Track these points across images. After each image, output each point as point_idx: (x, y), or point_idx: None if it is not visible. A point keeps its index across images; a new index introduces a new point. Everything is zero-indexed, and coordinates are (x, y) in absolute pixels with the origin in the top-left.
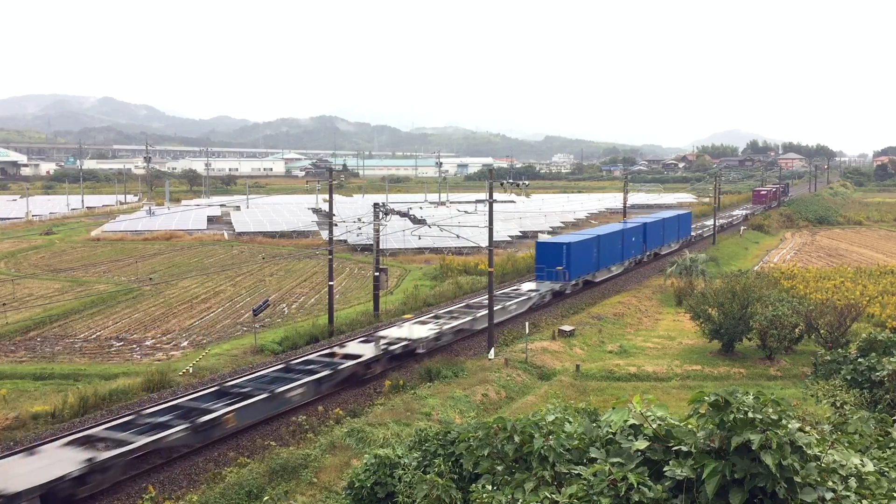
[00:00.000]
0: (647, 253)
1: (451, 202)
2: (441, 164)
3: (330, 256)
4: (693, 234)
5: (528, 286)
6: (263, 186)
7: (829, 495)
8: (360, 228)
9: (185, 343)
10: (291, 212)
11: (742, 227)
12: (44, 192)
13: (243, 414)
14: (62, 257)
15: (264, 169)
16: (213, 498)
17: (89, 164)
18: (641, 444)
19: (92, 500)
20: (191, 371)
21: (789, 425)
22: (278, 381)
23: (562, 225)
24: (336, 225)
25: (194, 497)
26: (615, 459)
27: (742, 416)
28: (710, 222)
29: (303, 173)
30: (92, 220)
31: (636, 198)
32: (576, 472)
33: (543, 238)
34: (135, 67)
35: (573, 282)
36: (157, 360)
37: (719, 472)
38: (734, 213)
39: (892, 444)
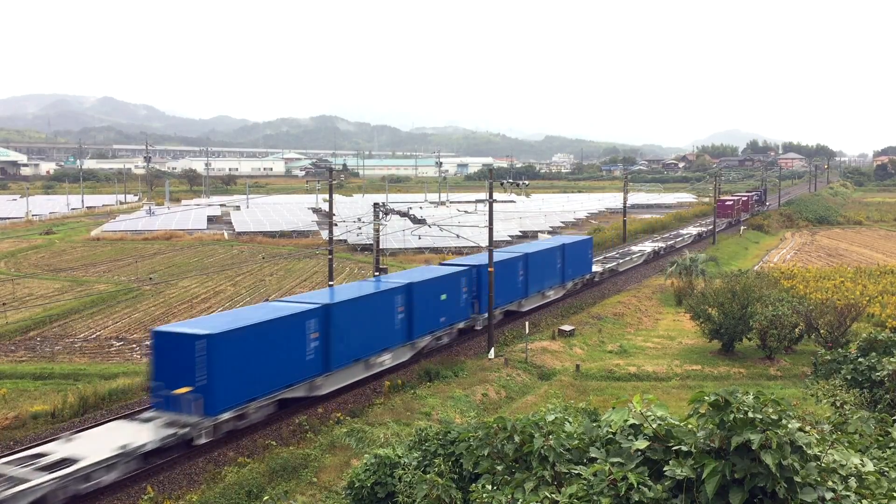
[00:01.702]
0: (487, 314)
1: (451, 202)
2: (441, 163)
3: (330, 256)
4: (599, 268)
5: (112, 435)
6: (263, 186)
7: (829, 495)
8: (360, 228)
9: None
10: (291, 212)
11: (742, 227)
12: (44, 191)
13: None
14: (62, 257)
15: (264, 169)
16: (213, 498)
17: (89, 163)
18: (641, 444)
19: (116, 488)
20: None
21: (789, 425)
22: None
23: (562, 224)
24: (336, 225)
25: (194, 497)
26: (615, 459)
27: (742, 416)
28: (639, 247)
29: (303, 173)
30: (92, 220)
31: (636, 198)
32: (576, 471)
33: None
34: (135, 67)
35: (229, 412)
36: None
37: (719, 472)
38: (684, 231)
39: (892, 444)
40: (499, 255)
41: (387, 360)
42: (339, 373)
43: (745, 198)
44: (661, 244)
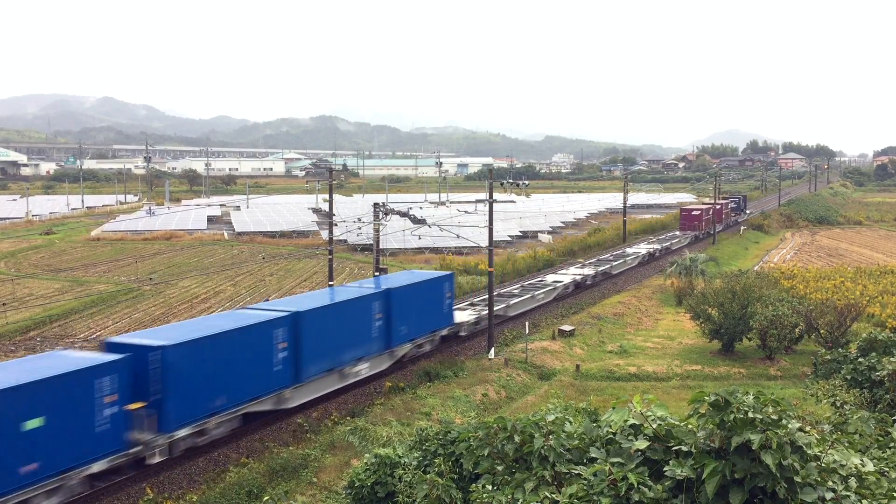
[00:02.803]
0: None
1: (451, 202)
2: (441, 164)
3: (330, 256)
4: (468, 317)
5: None
6: (263, 186)
7: (829, 495)
8: (360, 228)
9: None
10: (291, 212)
11: (742, 227)
12: (44, 191)
13: None
14: (62, 257)
15: (264, 169)
16: (213, 498)
17: (89, 164)
18: (641, 444)
19: (116, 488)
20: None
21: (789, 425)
22: None
23: (562, 225)
24: (336, 225)
25: (194, 497)
26: (615, 459)
27: (742, 416)
28: (555, 277)
29: (303, 173)
30: (92, 220)
31: (636, 198)
32: (576, 472)
33: None
34: (135, 67)
35: None
36: None
37: (719, 472)
38: (630, 250)
39: (892, 444)
40: (230, 321)
41: None
42: None
43: (719, 206)
44: (590, 271)
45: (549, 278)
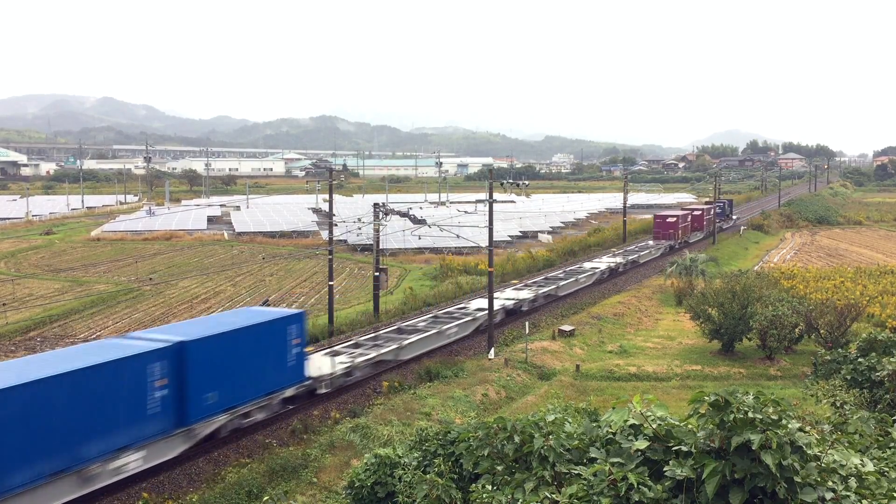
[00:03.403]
0: None
1: (451, 202)
2: (441, 164)
3: (330, 256)
4: (335, 366)
5: None
6: (263, 186)
7: (829, 495)
8: (360, 228)
9: None
10: (291, 212)
11: (742, 227)
12: (44, 192)
13: None
14: (62, 257)
15: (264, 169)
16: (213, 498)
17: (89, 164)
18: (641, 444)
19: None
20: None
21: (789, 425)
22: None
23: (562, 225)
24: (336, 225)
25: (194, 497)
26: (615, 459)
27: (742, 416)
28: (479, 303)
29: (303, 173)
30: (92, 220)
31: (636, 198)
32: (576, 472)
33: None
34: (135, 67)
35: None
36: None
37: (719, 472)
38: (589, 265)
39: (892, 444)
40: None
41: None
42: None
43: (700, 211)
44: (528, 294)
45: (473, 304)
